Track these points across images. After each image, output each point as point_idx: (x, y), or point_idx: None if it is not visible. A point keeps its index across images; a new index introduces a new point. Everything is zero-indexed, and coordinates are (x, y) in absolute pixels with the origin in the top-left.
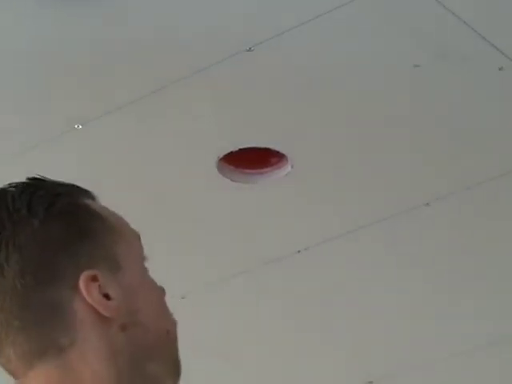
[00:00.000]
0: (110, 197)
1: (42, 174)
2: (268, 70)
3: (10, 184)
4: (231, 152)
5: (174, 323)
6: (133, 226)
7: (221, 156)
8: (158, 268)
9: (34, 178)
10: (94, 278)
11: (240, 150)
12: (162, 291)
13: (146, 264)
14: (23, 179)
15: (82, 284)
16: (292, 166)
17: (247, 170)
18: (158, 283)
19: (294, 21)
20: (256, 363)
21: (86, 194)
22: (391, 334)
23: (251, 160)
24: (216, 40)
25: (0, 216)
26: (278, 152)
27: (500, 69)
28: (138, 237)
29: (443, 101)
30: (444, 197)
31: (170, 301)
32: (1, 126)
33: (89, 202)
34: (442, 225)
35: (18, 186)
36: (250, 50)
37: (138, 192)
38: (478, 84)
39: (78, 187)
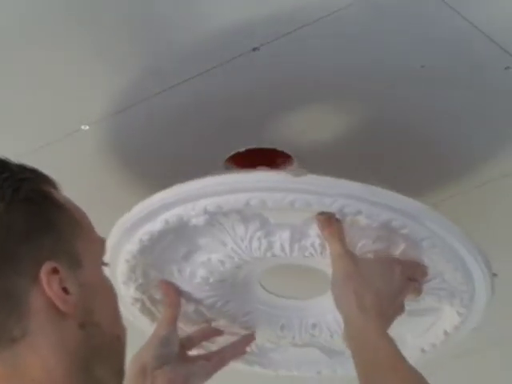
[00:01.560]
0: (114, 199)
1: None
2: (274, 70)
3: None
4: (238, 152)
5: (124, 330)
6: None
7: (227, 156)
8: None
9: None
10: (55, 271)
11: (246, 150)
12: (116, 295)
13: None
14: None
15: (43, 275)
16: (298, 167)
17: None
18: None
19: (300, 21)
20: None
21: (49, 181)
22: None
23: (257, 160)
24: (221, 40)
25: None
26: (283, 152)
27: (506, 68)
28: (101, 240)
29: (448, 101)
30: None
31: None
32: (6, 126)
33: (52, 190)
34: None
35: None
36: (255, 49)
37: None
38: (484, 84)
39: (41, 173)
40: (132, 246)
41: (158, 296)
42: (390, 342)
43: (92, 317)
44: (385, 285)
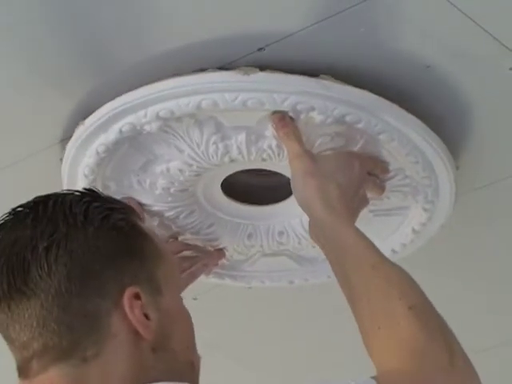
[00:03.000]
0: None
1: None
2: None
3: (65, 190)
4: None
5: (198, 358)
6: None
7: None
8: None
9: (90, 190)
10: (137, 296)
11: None
12: (192, 324)
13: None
14: (30, 182)
15: (126, 299)
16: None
17: None
18: None
19: (305, 21)
20: None
21: (136, 213)
22: None
23: None
24: (226, 40)
25: (56, 217)
26: None
27: (511, 69)
28: (177, 265)
29: (453, 101)
30: None
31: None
32: (6, 128)
33: (139, 222)
34: None
35: (74, 193)
36: (261, 50)
37: None
38: (488, 84)
39: (129, 205)
40: (89, 159)
41: None
42: (361, 235)
43: (168, 342)
44: (345, 178)
